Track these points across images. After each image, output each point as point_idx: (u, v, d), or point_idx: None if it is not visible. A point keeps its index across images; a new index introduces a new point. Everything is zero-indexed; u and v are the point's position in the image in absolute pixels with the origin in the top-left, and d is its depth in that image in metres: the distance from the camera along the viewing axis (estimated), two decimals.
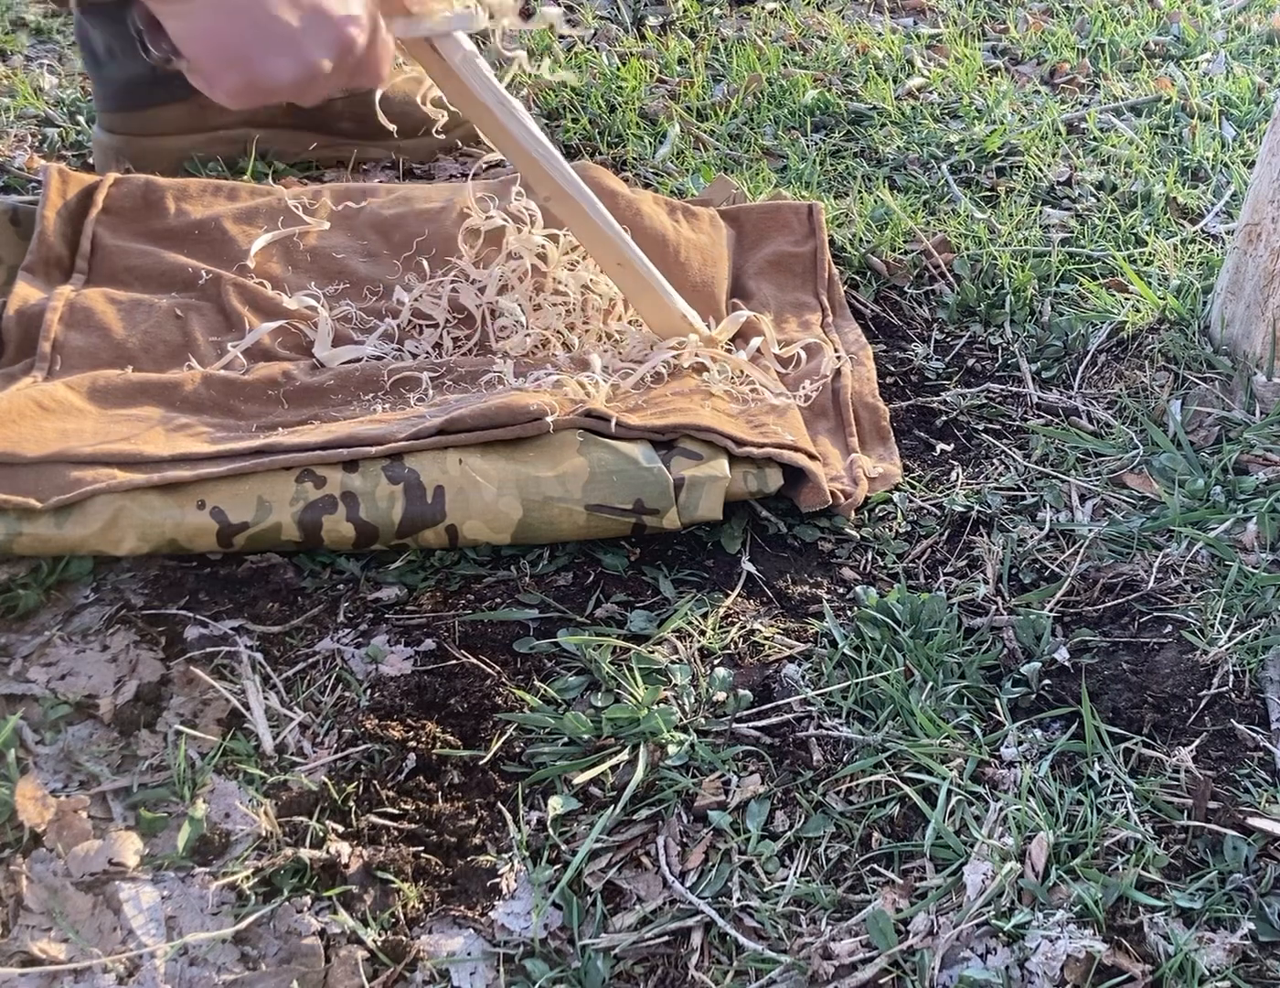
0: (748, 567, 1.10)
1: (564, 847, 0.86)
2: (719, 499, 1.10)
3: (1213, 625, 1.02)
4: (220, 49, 0.73)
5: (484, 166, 1.64)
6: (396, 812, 0.88)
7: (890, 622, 1.03)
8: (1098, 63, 2.07)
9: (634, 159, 1.75)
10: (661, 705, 0.95)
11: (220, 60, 0.74)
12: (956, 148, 1.79)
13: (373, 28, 0.82)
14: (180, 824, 0.85)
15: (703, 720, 0.95)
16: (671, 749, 0.92)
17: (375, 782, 0.89)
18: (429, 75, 1.12)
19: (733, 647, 1.02)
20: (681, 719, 0.94)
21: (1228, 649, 1.00)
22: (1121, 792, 0.90)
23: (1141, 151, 1.78)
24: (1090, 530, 1.13)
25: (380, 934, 0.80)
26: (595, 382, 1.18)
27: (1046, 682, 0.99)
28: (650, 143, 1.78)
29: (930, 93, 1.97)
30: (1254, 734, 0.94)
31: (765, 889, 0.84)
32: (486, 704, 0.96)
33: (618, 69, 1.97)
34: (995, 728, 0.95)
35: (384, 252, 1.40)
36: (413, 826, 0.87)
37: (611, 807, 0.88)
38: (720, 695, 0.97)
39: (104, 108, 1.62)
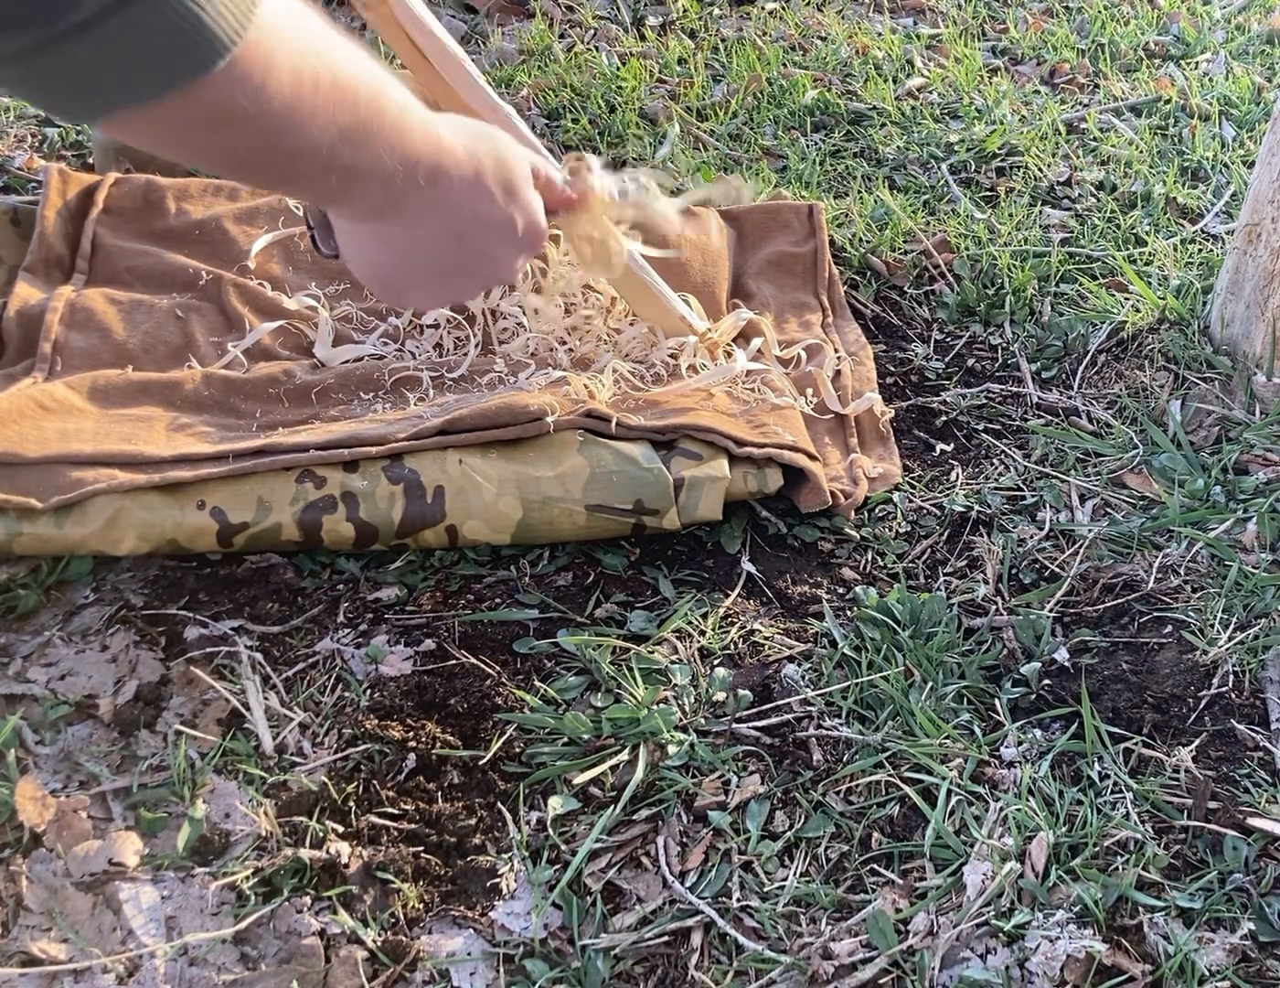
0: (748, 567, 1.10)
1: (564, 847, 0.86)
2: (719, 499, 1.10)
3: (1213, 625, 1.02)
4: (374, 274, 0.83)
5: None
6: (396, 812, 0.88)
7: (890, 622, 1.03)
8: (1098, 63, 2.07)
9: (634, 159, 1.75)
10: (661, 705, 0.95)
11: (372, 281, 0.85)
12: (956, 148, 1.79)
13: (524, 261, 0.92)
14: (180, 824, 0.85)
15: (703, 720, 0.95)
16: (671, 749, 0.92)
17: (375, 782, 0.89)
18: (415, 71, 1.11)
19: (733, 647, 1.02)
20: (681, 719, 0.94)
21: (1228, 649, 1.00)
22: (1121, 792, 0.90)
23: (1141, 151, 1.78)
24: (1090, 530, 1.13)
25: (380, 934, 0.80)
26: (597, 381, 1.18)
27: (1046, 682, 0.99)
28: (650, 143, 1.78)
29: (930, 93, 1.97)
30: (1254, 734, 0.94)
31: (765, 889, 0.84)
32: (486, 704, 0.96)
33: (618, 69, 1.97)
34: (995, 728, 0.95)
35: None
36: (413, 826, 0.87)
37: (611, 807, 0.88)
38: (720, 695, 0.97)
39: None
